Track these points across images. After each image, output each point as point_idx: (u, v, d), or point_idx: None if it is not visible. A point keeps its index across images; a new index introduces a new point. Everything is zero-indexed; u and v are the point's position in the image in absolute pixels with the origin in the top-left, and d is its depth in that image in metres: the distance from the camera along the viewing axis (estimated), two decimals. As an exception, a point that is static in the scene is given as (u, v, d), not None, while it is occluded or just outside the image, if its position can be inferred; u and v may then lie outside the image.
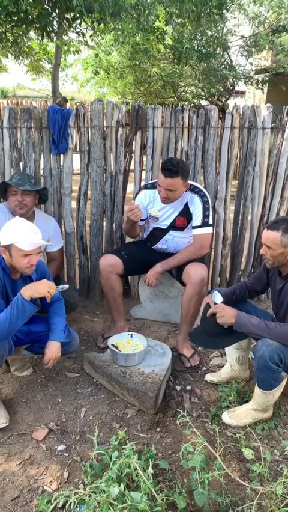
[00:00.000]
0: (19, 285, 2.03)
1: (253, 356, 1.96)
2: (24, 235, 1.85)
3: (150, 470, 1.56)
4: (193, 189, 2.56)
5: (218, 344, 2.25)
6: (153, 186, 2.66)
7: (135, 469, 1.55)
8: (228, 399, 2.19)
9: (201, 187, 2.62)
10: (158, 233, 2.71)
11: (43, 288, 1.90)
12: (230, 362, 2.34)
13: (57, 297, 2.19)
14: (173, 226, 2.64)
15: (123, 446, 1.65)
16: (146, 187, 2.71)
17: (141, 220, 2.63)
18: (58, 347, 2.09)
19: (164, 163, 2.42)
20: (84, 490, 1.52)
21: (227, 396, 2.20)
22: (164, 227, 2.67)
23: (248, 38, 8.56)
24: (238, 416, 2.06)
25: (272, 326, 1.90)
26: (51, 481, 1.73)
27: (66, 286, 2.14)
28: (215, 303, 2.14)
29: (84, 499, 1.49)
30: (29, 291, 1.86)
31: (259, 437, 1.99)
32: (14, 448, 1.90)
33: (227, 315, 2.00)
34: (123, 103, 10.36)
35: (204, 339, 2.23)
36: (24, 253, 1.87)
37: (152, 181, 2.76)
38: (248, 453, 1.79)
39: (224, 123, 2.97)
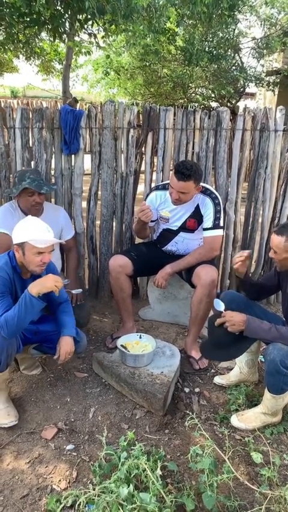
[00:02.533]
0: (29, 284, 2.04)
1: (263, 360, 1.94)
2: (38, 233, 1.88)
3: (159, 472, 1.56)
4: (205, 191, 2.55)
5: (230, 354, 2.16)
6: (164, 187, 2.66)
7: (144, 470, 1.55)
8: (237, 402, 2.18)
9: (213, 189, 2.61)
10: (168, 234, 2.71)
11: (50, 283, 1.90)
12: (239, 365, 2.33)
13: (65, 298, 2.20)
14: (184, 228, 2.64)
15: (132, 447, 1.66)
16: (157, 188, 2.71)
17: (151, 221, 2.63)
18: (71, 341, 2.09)
19: (177, 165, 2.40)
20: (93, 489, 1.53)
21: (236, 399, 2.19)
22: (175, 228, 2.66)
23: (259, 40, 8.53)
24: (247, 419, 2.05)
25: (284, 330, 1.89)
26: (59, 480, 1.74)
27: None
28: (221, 312, 2.07)
29: (93, 499, 1.50)
30: (37, 287, 1.87)
31: (268, 441, 1.97)
32: (23, 447, 1.91)
33: (236, 322, 1.95)
34: (133, 103, 10.36)
35: (216, 352, 2.16)
36: (38, 250, 1.89)
37: (163, 183, 2.76)
38: (257, 457, 1.79)
39: (236, 125, 2.96)
